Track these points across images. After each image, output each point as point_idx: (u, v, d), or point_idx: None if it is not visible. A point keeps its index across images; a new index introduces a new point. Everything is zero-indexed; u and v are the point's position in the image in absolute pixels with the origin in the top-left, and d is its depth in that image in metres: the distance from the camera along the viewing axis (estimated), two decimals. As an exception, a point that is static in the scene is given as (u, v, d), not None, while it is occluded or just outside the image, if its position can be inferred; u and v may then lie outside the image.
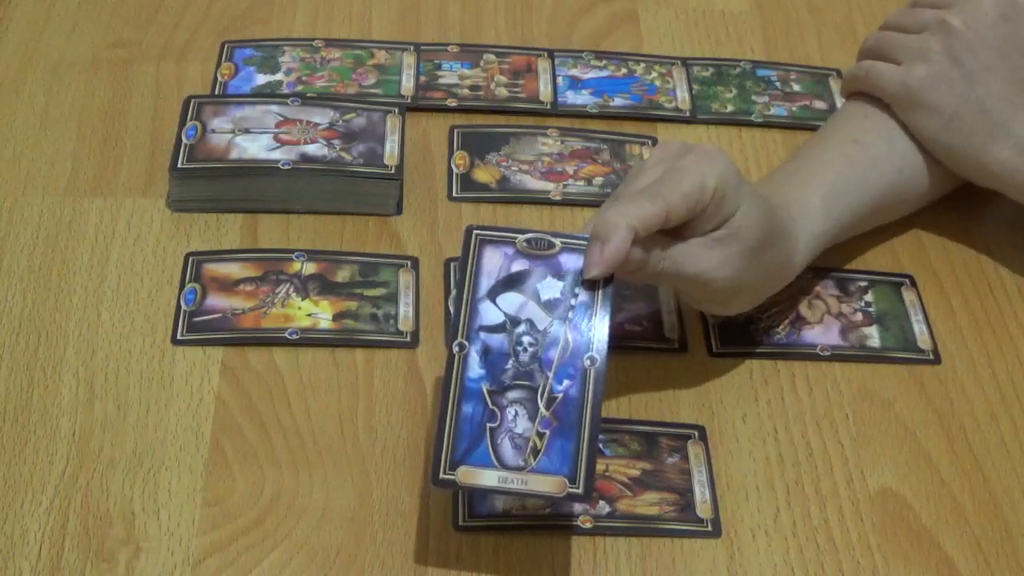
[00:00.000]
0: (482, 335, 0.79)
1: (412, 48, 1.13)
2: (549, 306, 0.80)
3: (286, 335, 0.91)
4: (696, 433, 0.88)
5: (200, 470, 0.84)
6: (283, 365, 0.90)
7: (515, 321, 0.79)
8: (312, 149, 1.00)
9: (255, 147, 1.00)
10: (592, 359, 0.78)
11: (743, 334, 0.94)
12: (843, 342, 0.95)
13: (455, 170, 1.04)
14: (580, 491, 0.76)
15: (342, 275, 0.95)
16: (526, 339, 0.79)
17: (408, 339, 0.92)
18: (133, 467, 0.84)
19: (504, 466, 0.76)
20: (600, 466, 0.85)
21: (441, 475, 0.76)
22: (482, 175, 1.04)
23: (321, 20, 1.16)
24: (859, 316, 0.97)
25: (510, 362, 0.79)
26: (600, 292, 0.80)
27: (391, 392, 0.89)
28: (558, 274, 0.81)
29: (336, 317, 0.93)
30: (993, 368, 0.94)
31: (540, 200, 1.02)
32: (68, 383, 0.88)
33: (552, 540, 0.82)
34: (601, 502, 0.84)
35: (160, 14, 1.15)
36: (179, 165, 0.98)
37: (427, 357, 0.91)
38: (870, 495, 0.86)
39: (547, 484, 0.76)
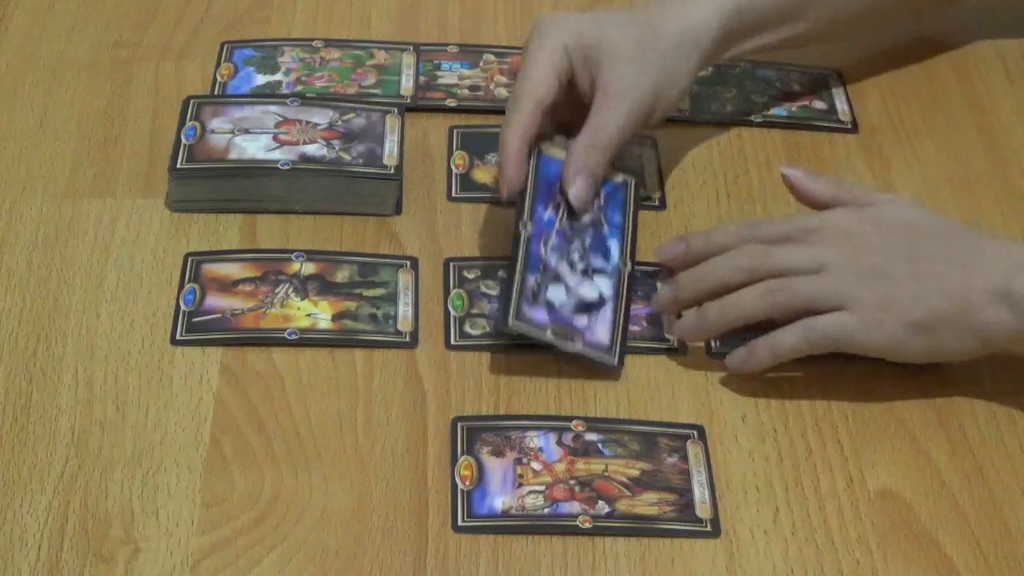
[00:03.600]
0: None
1: (411, 48, 1.13)
2: None
3: (285, 335, 0.91)
4: (695, 433, 0.88)
5: (199, 470, 0.84)
6: (282, 365, 0.90)
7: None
8: (311, 149, 1.00)
9: (254, 147, 1.00)
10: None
11: (742, 334, 0.94)
12: (843, 342, 0.94)
13: (454, 170, 1.04)
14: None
15: (341, 275, 0.95)
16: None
17: (407, 339, 0.92)
18: (132, 467, 0.84)
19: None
20: (599, 466, 0.85)
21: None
22: (481, 175, 1.04)
23: (321, 20, 1.16)
24: (859, 316, 0.96)
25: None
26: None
27: (390, 392, 0.89)
28: None
29: (335, 317, 0.93)
30: (993, 368, 0.94)
31: (540, 200, 1.02)
32: (67, 383, 0.88)
33: (551, 540, 0.82)
34: (600, 502, 0.84)
35: (160, 14, 1.15)
36: (178, 165, 0.98)
37: (426, 357, 0.91)
38: (869, 495, 0.86)
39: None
